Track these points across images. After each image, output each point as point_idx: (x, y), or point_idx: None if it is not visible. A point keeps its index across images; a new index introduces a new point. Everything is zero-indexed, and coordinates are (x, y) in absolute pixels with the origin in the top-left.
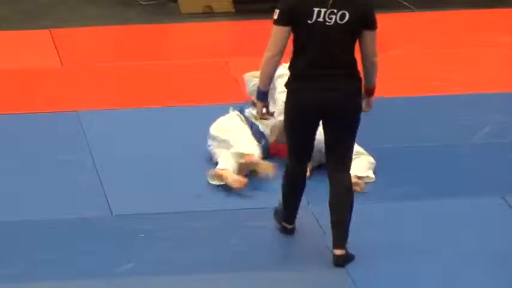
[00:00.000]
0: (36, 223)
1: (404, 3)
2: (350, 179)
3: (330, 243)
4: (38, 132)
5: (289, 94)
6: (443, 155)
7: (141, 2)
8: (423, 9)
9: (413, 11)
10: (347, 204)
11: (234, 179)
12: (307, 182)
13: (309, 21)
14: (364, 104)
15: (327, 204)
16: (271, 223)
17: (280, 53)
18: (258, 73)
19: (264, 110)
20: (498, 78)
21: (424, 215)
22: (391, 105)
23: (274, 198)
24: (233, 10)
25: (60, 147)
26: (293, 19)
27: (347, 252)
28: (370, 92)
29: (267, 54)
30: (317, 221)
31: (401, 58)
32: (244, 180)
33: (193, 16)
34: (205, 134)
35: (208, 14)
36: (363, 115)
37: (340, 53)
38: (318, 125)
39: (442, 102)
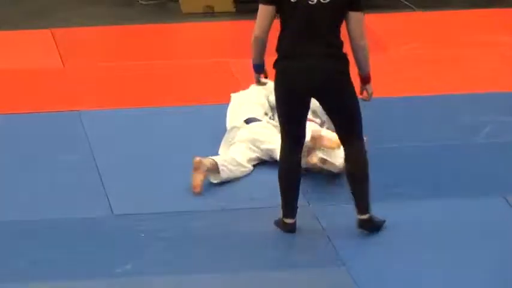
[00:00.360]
0: (36, 223)
1: (405, 2)
2: (362, 147)
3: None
4: (39, 132)
5: (276, 74)
6: (443, 155)
7: (141, 1)
8: (424, 9)
9: (414, 10)
10: (363, 172)
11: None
12: (307, 182)
13: (292, 0)
14: (364, 93)
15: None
16: (271, 223)
17: (265, 32)
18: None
19: (262, 77)
20: (499, 78)
21: (425, 215)
22: (391, 105)
23: (276, 198)
24: (234, 10)
25: (61, 147)
26: None
27: (371, 217)
28: (364, 79)
29: (254, 34)
30: (318, 220)
31: (402, 58)
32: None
33: (194, 16)
34: (206, 134)
35: (209, 13)
36: (366, 115)
37: (324, 33)
38: (307, 106)
39: (443, 102)
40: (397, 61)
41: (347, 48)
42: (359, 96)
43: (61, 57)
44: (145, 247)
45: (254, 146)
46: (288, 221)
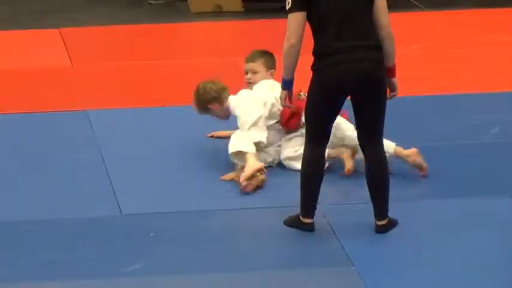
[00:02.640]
0: (45, 222)
1: (415, 2)
2: (383, 152)
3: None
4: (47, 131)
5: (315, 74)
6: (452, 154)
7: (150, 1)
8: (433, 9)
9: (423, 10)
10: (383, 178)
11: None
12: None
13: None
14: (389, 88)
15: (337, 203)
16: (280, 222)
17: (300, 40)
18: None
19: (287, 101)
20: (508, 78)
21: (433, 214)
22: (400, 105)
23: (284, 197)
24: (243, 9)
25: (69, 147)
26: (306, 1)
27: (389, 221)
28: (391, 72)
29: (286, 43)
30: (326, 220)
31: (411, 57)
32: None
33: (203, 15)
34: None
35: (218, 13)
36: None
37: (359, 25)
38: (342, 103)
39: (451, 101)
40: (407, 60)
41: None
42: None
43: (69, 57)
44: (155, 247)
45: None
46: (307, 220)
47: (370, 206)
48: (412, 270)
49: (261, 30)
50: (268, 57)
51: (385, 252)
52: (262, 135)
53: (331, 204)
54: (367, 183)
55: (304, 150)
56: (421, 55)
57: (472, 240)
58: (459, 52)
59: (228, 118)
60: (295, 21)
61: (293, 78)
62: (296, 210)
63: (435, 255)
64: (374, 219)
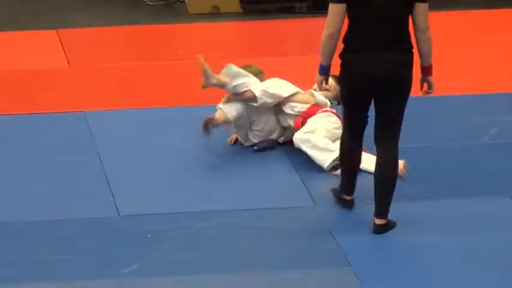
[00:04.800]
0: (43, 223)
1: None
2: (396, 152)
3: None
4: (45, 133)
5: (343, 66)
6: (451, 155)
7: (148, 2)
8: (431, 10)
9: None
10: (391, 177)
11: None
12: (313, 183)
13: None
14: (425, 86)
15: (333, 204)
16: (277, 223)
17: (338, 31)
18: (240, 71)
19: (324, 84)
20: (506, 79)
21: (432, 215)
22: None
23: (281, 198)
24: (240, 10)
25: (67, 148)
26: None
27: (388, 222)
28: (427, 71)
29: (325, 33)
30: (323, 221)
31: None
32: None
33: (201, 16)
34: (213, 134)
35: (216, 14)
36: (372, 116)
37: (393, 26)
38: (370, 97)
39: (450, 102)
40: None
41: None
42: (421, 91)
43: (67, 58)
44: (152, 248)
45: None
46: (347, 197)
47: (368, 207)
48: (409, 271)
49: (258, 31)
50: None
51: (382, 252)
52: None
53: (328, 205)
54: (374, 180)
55: (342, 136)
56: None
57: (471, 241)
58: (458, 53)
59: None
60: (335, 12)
61: (330, 65)
62: (291, 211)
63: (432, 255)
64: (373, 218)
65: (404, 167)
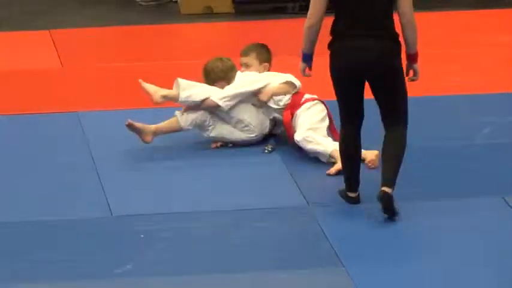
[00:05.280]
0: (35, 224)
1: None
2: (403, 133)
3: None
4: (37, 133)
5: (331, 55)
6: (443, 155)
7: (141, 2)
8: (424, 10)
9: (416, 11)
10: (399, 150)
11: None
12: (306, 183)
13: None
14: (410, 72)
15: (328, 204)
16: (270, 223)
17: (321, 20)
18: (192, 83)
19: (307, 71)
20: (499, 79)
21: (425, 215)
22: None
23: (274, 199)
24: (233, 11)
25: (60, 148)
26: None
27: (393, 195)
28: (412, 58)
29: (307, 22)
30: (317, 221)
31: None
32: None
33: (193, 17)
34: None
35: (208, 14)
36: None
37: (378, 14)
38: (361, 84)
39: (443, 102)
40: None
41: None
42: (406, 78)
43: (60, 58)
44: (145, 248)
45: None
46: (351, 194)
47: (360, 207)
48: (403, 271)
49: (251, 31)
50: (261, 51)
51: (375, 252)
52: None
53: (321, 205)
54: (382, 155)
55: (340, 131)
56: None
57: (465, 241)
58: (450, 53)
59: None
60: (317, 3)
61: (312, 53)
62: (284, 212)
63: (426, 255)
64: (380, 187)
65: (377, 156)
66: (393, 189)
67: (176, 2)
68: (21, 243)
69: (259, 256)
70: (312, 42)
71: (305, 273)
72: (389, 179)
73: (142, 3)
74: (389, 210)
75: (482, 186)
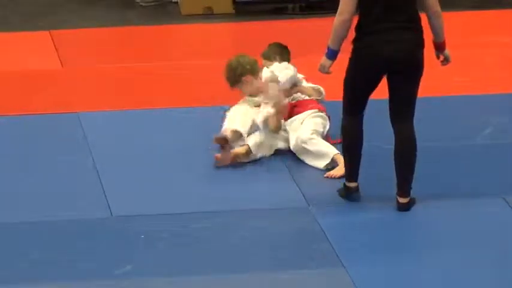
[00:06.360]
0: (36, 224)
1: None
2: (412, 131)
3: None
4: (38, 134)
5: (356, 50)
6: (444, 155)
7: (141, 3)
8: (423, 11)
9: None
10: (411, 156)
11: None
12: (306, 184)
13: None
14: (441, 57)
15: (328, 204)
16: (271, 224)
17: (351, 16)
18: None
19: (329, 69)
20: (499, 79)
21: (425, 215)
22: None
23: (275, 199)
24: (233, 11)
25: (60, 149)
26: None
27: (410, 199)
28: (441, 46)
29: (339, 18)
30: (317, 222)
31: None
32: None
33: (194, 17)
34: (204, 135)
35: (209, 15)
36: (367, 116)
37: (403, 7)
38: (380, 79)
39: (444, 103)
40: None
41: None
42: (439, 61)
43: (60, 59)
44: (145, 248)
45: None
46: (351, 184)
47: (361, 205)
48: (402, 271)
49: (251, 32)
50: (284, 54)
51: (375, 253)
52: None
53: (321, 204)
54: (394, 158)
55: (342, 122)
56: None
57: (465, 242)
58: (451, 54)
59: (257, 93)
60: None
61: (339, 50)
62: (284, 212)
63: (426, 255)
64: (396, 196)
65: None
66: (409, 196)
67: (176, 2)
68: (20, 244)
69: (259, 256)
70: (342, 39)
71: (305, 274)
72: (405, 189)
73: (143, 4)
74: (407, 210)
75: (483, 187)
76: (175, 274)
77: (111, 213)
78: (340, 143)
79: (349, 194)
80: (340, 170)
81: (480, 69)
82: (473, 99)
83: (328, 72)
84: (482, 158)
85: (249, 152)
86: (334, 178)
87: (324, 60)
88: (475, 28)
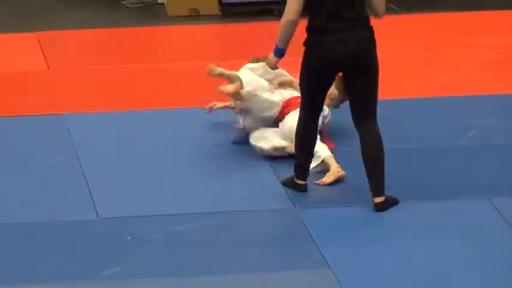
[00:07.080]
0: (21, 226)
1: (391, 5)
2: (377, 129)
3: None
4: (24, 135)
5: (308, 50)
6: (429, 157)
7: (127, 4)
8: (410, 12)
9: (399, 13)
10: (379, 154)
11: None
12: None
13: None
14: None
15: (314, 206)
16: (257, 225)
17: (298, 15)
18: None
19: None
20: (484, 80)
21: (411, 217)
22: (378, 108)
23: (261, 201)
24: (219, 13)
25: (46, 150)
26: None
27: (386, 198)
28: None
29: (285, 18)
30: (303, 223)
31: (387, 60)
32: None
33: (180, 19)
34: (190, 136)
35: (195, 16)
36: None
37: (351, 8)
38: (334, 78)
39: (428, 104)
40: (383, 63)
41: None
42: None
43: (46, 60)
44: (132, 250)
45: None
46: (301, 182)
47: (347, 209)
48: (389, 274)
49: (237, 33)
50: None
51: (361, 255)
52: None
53: (308, 207)
54: (363, 159)
55: (299, 120)
56: (397, 58)
57: (451, 243)
58: (435, 55)
59: None
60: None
61: (286, 48)
62: (271, 214)
63: (413, 257)
64: (371, 198)
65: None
66: (384, 194)
67: (162, 4)
68: (7, 246)
69: (246, 258)
70: (288, 38)
71: (292, 275)
72: (379, 189)
73: (129, 6)
74: (388, 208)
75: (469, 188)
76: (163, 276)
77: (98, 215)
78: (332, 148)
79: (296, 188)
80: (331, 176)
81: (464, 71)
82: (459, 100)
83: (274, 69)
84: (466, 159)
85: (240, 87)
86: (325, 185)
87: (271, 57)
88: (459, 29)
